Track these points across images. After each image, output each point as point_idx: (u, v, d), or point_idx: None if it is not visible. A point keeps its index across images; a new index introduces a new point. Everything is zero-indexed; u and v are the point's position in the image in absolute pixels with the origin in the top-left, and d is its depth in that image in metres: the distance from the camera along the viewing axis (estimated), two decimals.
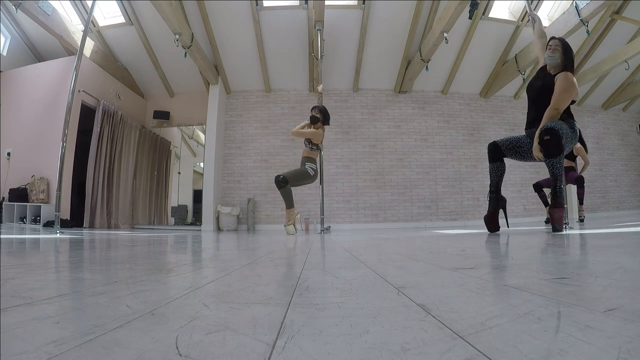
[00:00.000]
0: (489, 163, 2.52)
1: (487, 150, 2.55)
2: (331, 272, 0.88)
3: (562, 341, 0.32)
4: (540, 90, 2.34)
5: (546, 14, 5.53)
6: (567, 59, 2.28)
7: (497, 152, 2.49)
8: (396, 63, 5.98)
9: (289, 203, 3.50)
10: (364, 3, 5.07)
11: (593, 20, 5.20)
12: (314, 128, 3.69)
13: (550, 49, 2.31)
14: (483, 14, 5.30)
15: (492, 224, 2.48)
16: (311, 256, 1.30)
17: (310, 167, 3.59)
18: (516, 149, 2.45)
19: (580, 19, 4.42)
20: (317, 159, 3.77)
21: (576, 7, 4.47)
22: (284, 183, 3.41)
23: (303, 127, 3.72)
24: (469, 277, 0.70)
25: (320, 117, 3.67)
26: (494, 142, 2.51)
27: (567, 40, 2.37)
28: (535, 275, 0.69)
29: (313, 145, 3.65)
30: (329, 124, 3.82)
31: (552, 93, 2.21)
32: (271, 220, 5.92)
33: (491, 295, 0.53)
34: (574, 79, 2.23)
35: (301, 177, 3.59)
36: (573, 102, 2.28)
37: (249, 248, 1.82)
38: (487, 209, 2.53)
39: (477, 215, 6.17)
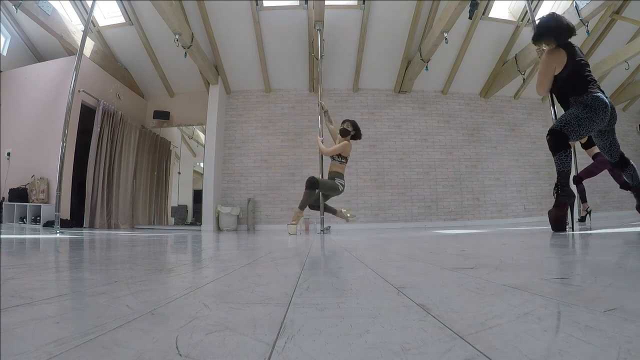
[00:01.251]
0: (556, 154, 2.11)
1: (552, 142, 2.12)
2: (331, 272, 0.88)
3: (562, 341, 0.32)
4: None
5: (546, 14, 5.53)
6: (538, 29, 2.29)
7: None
8: (396, 63, 5.98)
9: (303, 204, 3.50)
10: (364, 3, 5.07)
11: (593, 20, 5.19)
12: (344, 140, 3.63)
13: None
14: (483, 14, 5.30)
15: (561, 221, 2.15)
16: (311, 256, 1.30)
17: (339, 183, 3.61)
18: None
19: (580, 19, 4.42)
20: (345, 173, 3.73)
21: (576, 7, 4.47)
22: (314, 186, 3.43)
23: (323, 143, 3.73)
24: (469, 277, 0.69)
25: (351, 131, 3.65)
26: (556, 129, 2.10)
27: None
28: (535, 275, 0.69)
29: (342, 158, 3.63)
30: (360, 138, 3.77)
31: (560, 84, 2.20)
32: (271, 220, 5.92)
33: (491, 295, 0.53)
34: (549, 55, 2.19)
35: (331, 189, 3.61)
36: (581, 73, 2.10)
37: (249, 248, 1.82)
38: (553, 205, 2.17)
39: (477, 216, 6.17)
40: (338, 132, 3.78)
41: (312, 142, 6.09)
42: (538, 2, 5.18)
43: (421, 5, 5.07)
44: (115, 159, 5.63)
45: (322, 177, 3.84)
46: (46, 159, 4.72)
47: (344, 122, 3.75)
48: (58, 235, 2.89)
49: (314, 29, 4.74)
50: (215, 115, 5.86)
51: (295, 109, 6.31)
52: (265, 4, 5.14)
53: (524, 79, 5.89)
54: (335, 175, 3.62)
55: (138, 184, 6.31)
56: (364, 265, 0.99)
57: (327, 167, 3.85)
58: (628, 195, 7.35)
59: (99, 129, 5.29)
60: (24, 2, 4.13)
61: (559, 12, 5.15)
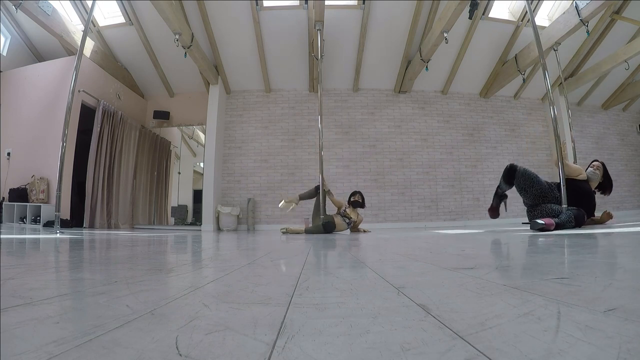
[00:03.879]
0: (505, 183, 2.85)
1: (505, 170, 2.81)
2: (331, 272, 0.88)
3: (562, 341, 0.32)
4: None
5: (546, 14, 5.53)
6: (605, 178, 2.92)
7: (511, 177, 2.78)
8: (396, 63, 5.98)
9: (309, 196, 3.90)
10: (364, 3, 5.07)
11: (593, 20, 5.19)
12: (354, 212, 4.09)
13: (593, 167, 2.94)
14: (483, 14, 5.30)
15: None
16: (311, 256, 1.30)
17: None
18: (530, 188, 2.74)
19: (580, 19, 4.42)
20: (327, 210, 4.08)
21: (576, 7, 4.47)
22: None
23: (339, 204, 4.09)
24: (469, 277, 0.70)
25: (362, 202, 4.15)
26: (514, 167, 2.76)
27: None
28: (535, 275, 0.69)
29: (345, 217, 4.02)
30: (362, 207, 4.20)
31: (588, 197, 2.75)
32: (271, 220, 5.92)
33: (491, 295, 0.53)
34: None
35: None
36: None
37: (249, 248, 1.82)
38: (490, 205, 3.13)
39: (477, 215, 6.17)
40: (340, 202, 4.14)
41: (312, 143, 6.10)
42: (538, 2, 5.18)
43: (421, 5, 5.06)
44: (115, 159, 5.63)
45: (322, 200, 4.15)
46: (46, 159, 4.72)
47: (355, 194, 4.17)
48: (58, 235, 2.88)
49: (314, 29, 4.74)
50: (215, 115, 5.86)
51: (295, 109, 6.31)
52: (265, 4, 5.14)
53: (524, 79, 5.89)
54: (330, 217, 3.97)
55: (138, 184, 6.31)
56: (364, 265, 0.99)
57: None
58: (627, 195, 7.36)
59: (99, 129, 5.29)
60: (24, 2, 4.13)
61: (559, 12, 5.18)
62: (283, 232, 3.82)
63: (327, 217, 3.88)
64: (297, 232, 3.79)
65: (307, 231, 3.81)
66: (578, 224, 2.51)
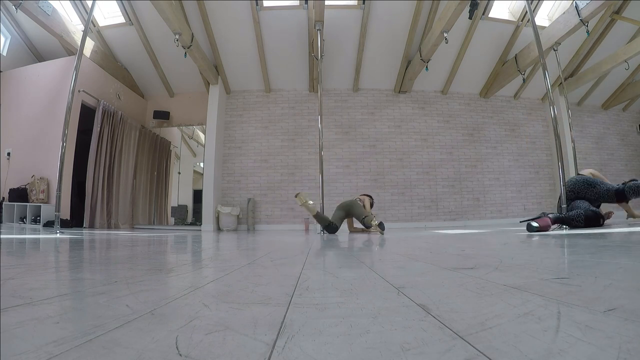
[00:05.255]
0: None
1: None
2: (331, 272, 0.88)
3: (562, 341, 0.32)
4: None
5: (546, 14, 5.53)
6: None
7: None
8: (396, 63, 5.98)
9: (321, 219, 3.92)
10: (364, 3, 5.07)
11: (593, 20, 5.20)
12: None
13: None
14: (483, 14, 5.30)
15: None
16: (311, 256, 1.30)
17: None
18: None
19: (580, 19, 4.42)
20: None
21: (576, 7, 4.47)
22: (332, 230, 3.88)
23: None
24: (469, 277, 0.70)
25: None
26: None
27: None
28: (535, 275, 0.69)
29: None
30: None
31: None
32: (271, 220, 5.92)
33: (491, 295, 0.53)
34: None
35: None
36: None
37: (249, 248, 1.82)
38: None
39: (477, 216, 6.17)
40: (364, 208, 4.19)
41: (312, 143, 6.10)
42: (538, 2, 5.18)
43: (421, 5, 5.06)
44: (115, 159, 5.63)
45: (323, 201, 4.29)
46: (46, 159, 4.72)
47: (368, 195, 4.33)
48: (58, 235, 2.88)
49: (314, 29, 4.74)
50: (215, 115, 5.86)
51: (295, 109, 6.31)
52: (265, 4, 5.14)
53: (524, 79, 5.89)
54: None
55: (138, 184, 6.31)
56: (364, 265, 0.99)
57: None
58: None
59: (99, 129, 5.29)
60: (24, 2, 4.13)
61: (559, 12, 5.18)
62: (297, 198, 3.85)
63: (335, 221, 3.95)
64: (310, 210, 3.81)
65: (317, 215, 3.86)
66: (590, 224, 2.54)
